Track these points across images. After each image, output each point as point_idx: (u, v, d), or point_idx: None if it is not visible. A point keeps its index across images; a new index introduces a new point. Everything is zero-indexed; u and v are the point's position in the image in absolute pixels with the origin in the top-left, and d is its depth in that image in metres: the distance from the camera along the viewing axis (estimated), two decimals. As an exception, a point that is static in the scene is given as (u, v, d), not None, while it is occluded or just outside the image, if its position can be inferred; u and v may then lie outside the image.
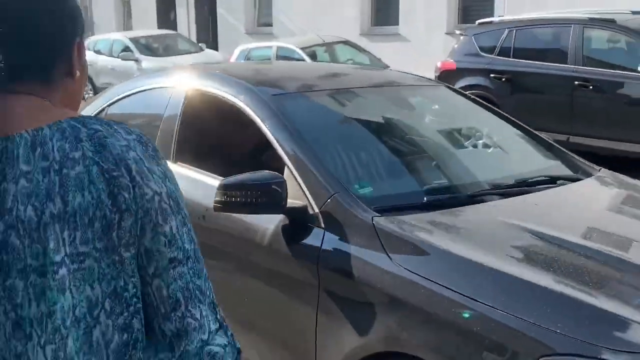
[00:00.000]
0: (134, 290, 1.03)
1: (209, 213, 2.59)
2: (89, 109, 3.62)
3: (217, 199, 2.39)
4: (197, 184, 2.84)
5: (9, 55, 1.03)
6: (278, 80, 3.37)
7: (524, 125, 3.35)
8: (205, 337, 1.05)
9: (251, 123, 2.81)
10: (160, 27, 18.41)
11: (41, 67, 1.06)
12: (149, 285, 1.05)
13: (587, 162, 3.12)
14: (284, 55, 11.37)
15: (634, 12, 7.64)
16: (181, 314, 1.04)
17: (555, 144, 3.29)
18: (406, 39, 13.51)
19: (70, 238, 0.97)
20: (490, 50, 8.23)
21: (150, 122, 3.35)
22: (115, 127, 1.03)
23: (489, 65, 8.10)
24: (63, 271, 0.97)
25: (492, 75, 8.05)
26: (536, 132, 3.32)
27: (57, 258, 0.97)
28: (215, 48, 16.48)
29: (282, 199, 2.34)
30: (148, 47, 14.96)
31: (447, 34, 12.57)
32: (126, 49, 14.61)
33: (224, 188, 2.38)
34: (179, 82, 3.31)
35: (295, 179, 2.49)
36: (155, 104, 3.36)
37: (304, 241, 2.40)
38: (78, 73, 1.10)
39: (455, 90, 3.71)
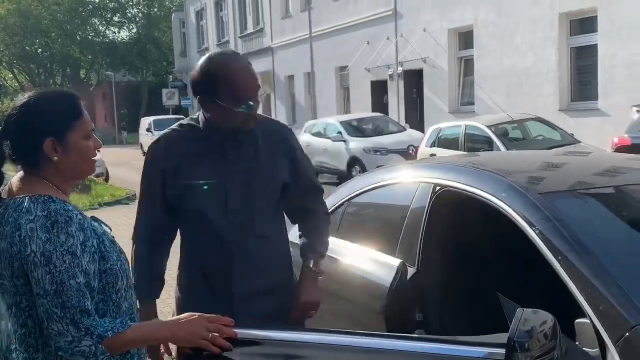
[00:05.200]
0: (27, 303, 1.71)
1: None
2: (332, 198, 3.57)
3: None
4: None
5: (12, 151, 1.77)
6: (542, 175, 2.96)
7: None
8: (69, 339, 1.65)
9: (513, 228, 2.39)
10: (374, 110, 19.81)
11: (25, 159, 1.77)
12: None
13: None
14: (472, 134, 11.82)
15: None
16: (47, 324, 1.66)
17: None
18: (606, 114, 13.15)
19: (2, 266, 1.70)
20: (666, 125, 7.98)
21: (392, 218, 3.23)
22: (35, 206, 1.68)
23: (664, 140, 7.88)
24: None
25: (666, 150, 7.81)
26: None
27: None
28: (422, 128, 17.36)
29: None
30: (357, 129, 16.45)
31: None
32: (338, 131, 16.19)
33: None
34: (424, 177, 3.03)
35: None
36: (400, 199, 3.19)
37: None
38: (56, 158, 1.73)
39: None
